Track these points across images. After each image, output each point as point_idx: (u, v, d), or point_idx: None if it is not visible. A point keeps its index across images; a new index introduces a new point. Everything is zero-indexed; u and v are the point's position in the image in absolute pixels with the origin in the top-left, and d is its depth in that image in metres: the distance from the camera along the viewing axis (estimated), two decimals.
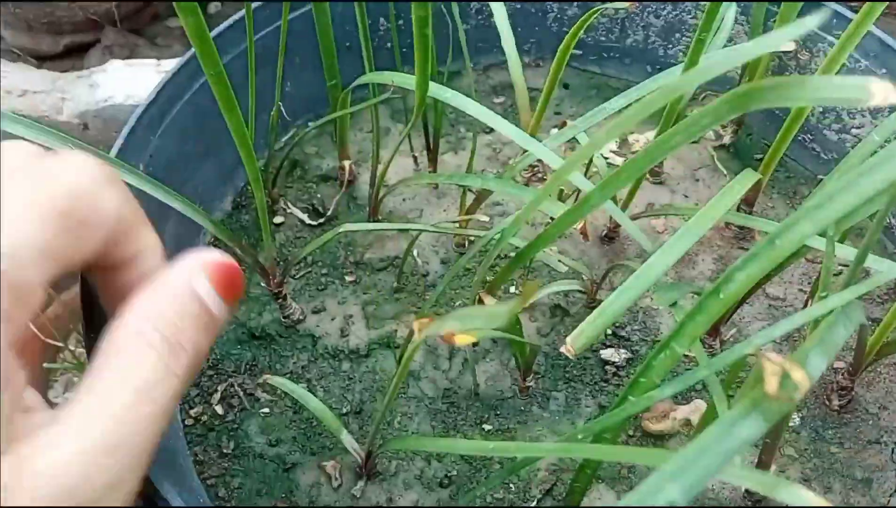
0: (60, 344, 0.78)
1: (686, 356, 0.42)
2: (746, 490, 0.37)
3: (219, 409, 0.42)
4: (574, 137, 0.41)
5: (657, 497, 0.20)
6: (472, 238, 0.48)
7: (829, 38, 0.49)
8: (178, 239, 0.45)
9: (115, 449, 0.22)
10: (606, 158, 0.51)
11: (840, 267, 0.45)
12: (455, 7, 0.46)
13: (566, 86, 0.58)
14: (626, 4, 0.52)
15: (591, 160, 0.43)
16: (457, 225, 0.47)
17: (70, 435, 0.22)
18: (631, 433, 0.40)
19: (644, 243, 0.39)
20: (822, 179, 0.51)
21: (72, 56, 0.71)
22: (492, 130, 0.55)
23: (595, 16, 0.40)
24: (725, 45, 0.46)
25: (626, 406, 0.29)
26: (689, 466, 0.21)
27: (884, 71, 0.46)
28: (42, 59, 0.70)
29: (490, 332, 0.43)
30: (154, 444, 0.24)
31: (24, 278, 0.22)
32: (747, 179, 0.35)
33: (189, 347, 0.25)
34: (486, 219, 0.40)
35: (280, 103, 0.45)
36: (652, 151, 0.26)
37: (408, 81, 0.40)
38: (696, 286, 0.39)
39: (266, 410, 0.41)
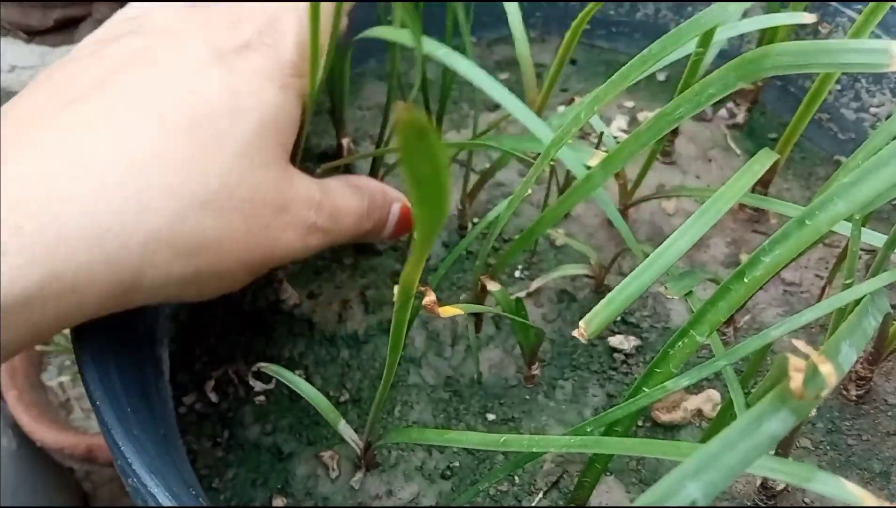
0: None
1: None
2: (762, 485, 0.35)
3: (213, 397, 0.40)
4: (581, 115, 0.39)
5: (676, 497, 0.19)
6: (474, 220, 0.46)
7: (849, 12, 0.47)
8: None
9: (338, 219, 0.35)
10: (616, 138, 0.49)
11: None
12: None
13: (573, 62, 0.56)
14: None
15: (600, 140, 0.41)
16: (459, 207, 0.45)
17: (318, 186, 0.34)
18: (640, 423, 0.38)
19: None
20: (838, 160, 0.50)
21: (63, 30, 0.68)
22: (496, 107, 0.53)
23: None
24: (741, 19, 0.44)
25: (638, 398, 0.27)
26: (711, 463, 0.19)
27: None
28: (32, 34, 0.68)
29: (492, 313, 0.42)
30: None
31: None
32: (766, 158, 0.33)
33: (369, 222, 0.37)
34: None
35: None
36: (655, 123, 0.24)
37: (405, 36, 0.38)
38: (710, 273, 0.37)
39: (262, 398, 0.40)
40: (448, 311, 0.27)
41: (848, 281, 0.29)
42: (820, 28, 0.48)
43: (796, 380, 0.19)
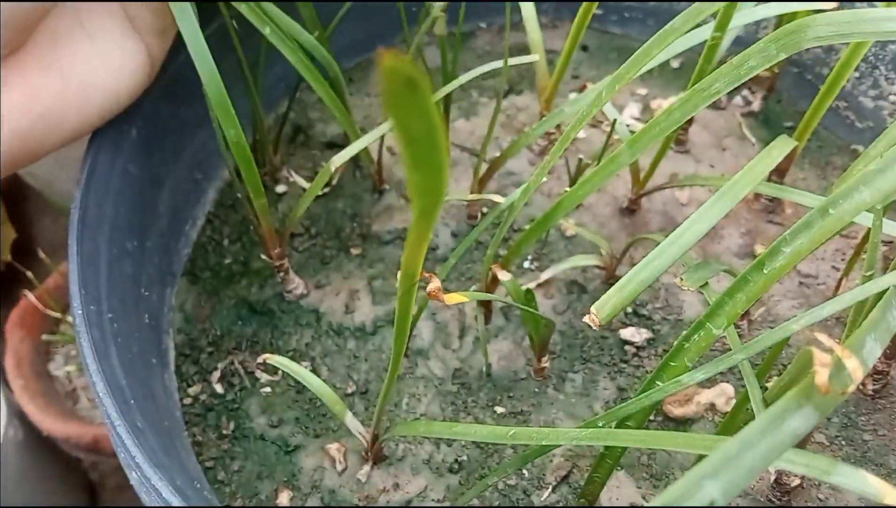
0: (59, 316, 0.76)
1: None
2: (775, 481, 0.34)
3: (218, 388, 0.40)
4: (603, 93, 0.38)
5: (694, 497, 0.18)
6: (484, 210, 0.45)
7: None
8: (174, 210, 0.43)
9: None
10: (629, 126, 0.48)
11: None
12: None
13: (585, 48, 0.55)
14: None
15: (612, 128, 0.40)
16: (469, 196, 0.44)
17: None
18: (652, 417, 0.38)
19: None
20: (856, 149, 0.48)
21: None
22: (506, 95, 0.52)
23: None
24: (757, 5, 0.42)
25: (652, 392, 0.26)
26: (731, 462, 0.18)
27: None
28: None
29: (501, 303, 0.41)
30: None
31: None
32: (784, 144, 0.32)
33: None
34: (501, 200, 0.37)
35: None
36: (690, 99, 0.23)
37: None
38: (725, 265, 0.36)
39: (268, 389, 0.39)
40: (453, 298, 0.26)
41: (868, 273, 0.28)
42: None
43: (822, 375, 0.18)
